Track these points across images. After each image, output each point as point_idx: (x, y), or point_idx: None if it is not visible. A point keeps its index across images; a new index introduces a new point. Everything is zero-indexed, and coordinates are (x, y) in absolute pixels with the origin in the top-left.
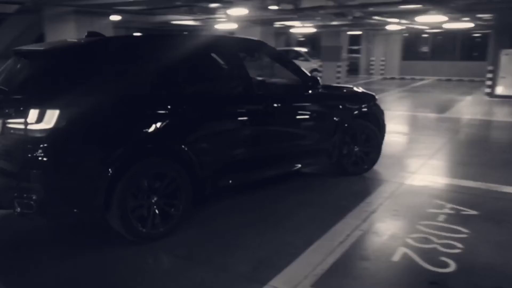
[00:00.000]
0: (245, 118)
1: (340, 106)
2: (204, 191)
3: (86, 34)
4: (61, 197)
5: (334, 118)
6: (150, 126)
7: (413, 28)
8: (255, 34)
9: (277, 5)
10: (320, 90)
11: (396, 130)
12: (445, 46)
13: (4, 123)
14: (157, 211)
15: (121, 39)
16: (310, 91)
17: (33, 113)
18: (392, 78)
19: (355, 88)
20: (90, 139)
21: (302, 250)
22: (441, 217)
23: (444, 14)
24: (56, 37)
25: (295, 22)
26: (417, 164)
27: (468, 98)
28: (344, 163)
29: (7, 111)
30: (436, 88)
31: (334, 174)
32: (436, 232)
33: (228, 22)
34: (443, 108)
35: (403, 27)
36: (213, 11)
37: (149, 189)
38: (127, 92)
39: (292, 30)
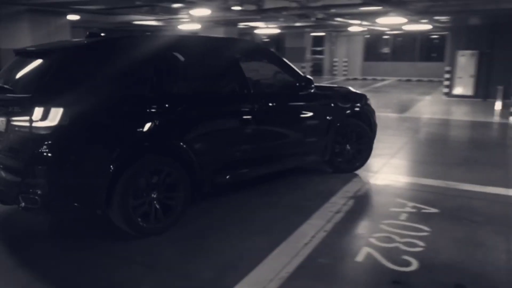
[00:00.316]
0: (242, 117)
1: (333, 106)
2: (203, 188)
3: (87, 34)
4: (65, 192)
5: (327, 117)
6: (151, 125)
7: (374, 29)
8: (218, 35)
9: (240, 5)
10: (313, 90)
11: None
12: (405, 47)
13: (9, 121)
14: (157, 207)
15: (122, 39)
16: (303, 91)
17: (38, 111)
18: (355, 79)
19: (347, 88)
20: (93, 136)
21: (267, 253)
22: (403, 216)
23: (404, 16)
24: (8, 38)
25: (259, 23)
26: (380, 163)
27: (427, 98)
28: (336, 161)
29: (12, 109)
30: (397, 88)
31: (303, 173)
32: (398, 231)
33: (191, 22)
34: (403, 108)
35: (365, 29)
36: (175, 11)
37: (150, 186)
38: (129, 91)
39: (256, 31)
